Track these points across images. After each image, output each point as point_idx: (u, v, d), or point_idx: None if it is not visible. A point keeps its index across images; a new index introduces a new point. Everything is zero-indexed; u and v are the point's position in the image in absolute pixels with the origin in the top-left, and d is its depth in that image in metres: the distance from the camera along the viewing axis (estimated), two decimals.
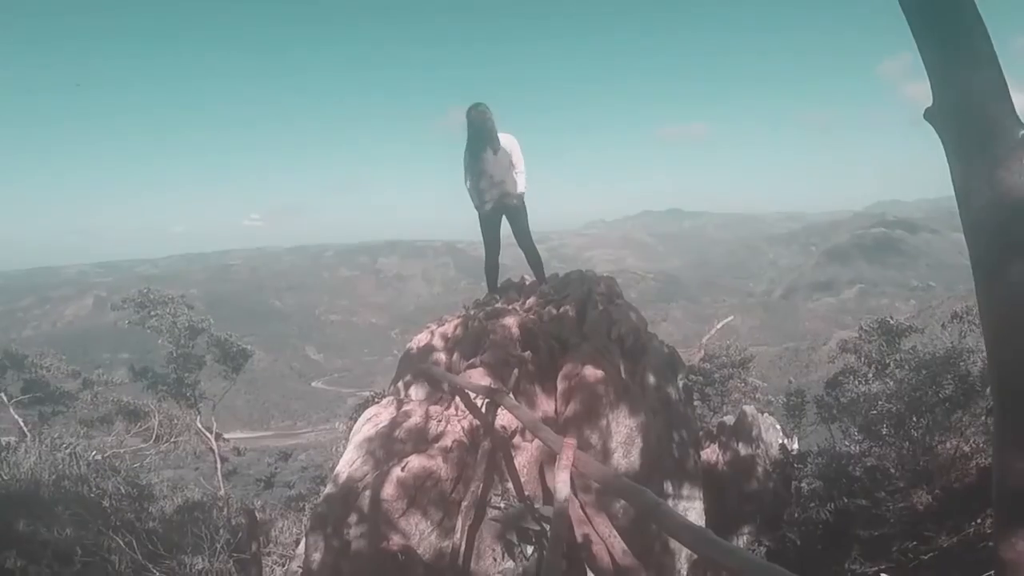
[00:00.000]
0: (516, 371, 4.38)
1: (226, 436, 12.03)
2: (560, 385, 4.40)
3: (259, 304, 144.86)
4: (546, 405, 4.38)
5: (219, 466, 9.60)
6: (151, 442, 8.81)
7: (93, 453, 6.14)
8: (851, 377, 7.67)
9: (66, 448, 5.76)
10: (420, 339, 5.71)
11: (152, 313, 9.81)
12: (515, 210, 5.67)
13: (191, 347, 9.95)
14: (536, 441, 3.86)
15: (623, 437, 4.18)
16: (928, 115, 2.15)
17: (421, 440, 4.03)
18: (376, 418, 4.45)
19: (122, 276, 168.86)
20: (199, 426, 9.86)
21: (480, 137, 5.46)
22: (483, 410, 4.02)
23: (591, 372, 4.32)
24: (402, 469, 3.72)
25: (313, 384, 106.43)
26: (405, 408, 4.43)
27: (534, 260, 5.98)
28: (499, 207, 5.64)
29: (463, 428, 4.08)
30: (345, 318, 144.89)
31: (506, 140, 5.52)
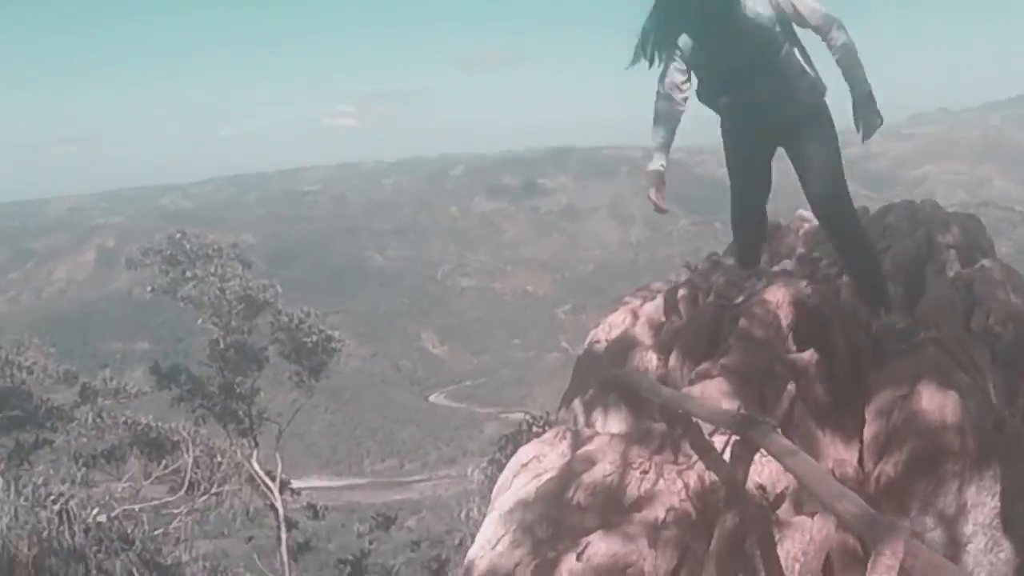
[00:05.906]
0: (792, 388, 4.25)
1: (296, 486, 12.78)
2: (872, 423, 4.25)
3: (349, 258, 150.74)
4: (842, 453, 4.29)
5: (284, 537, 10.30)
6: (182, 493, 9.50)
7: (95, 511, 6.77)
8: None
9: (54, 503, 6.38)
10: (612, 324, 5.79)
11: (189, 274, 10.33)
12: (803, 125, 4.70)
13: (247, 333, 10.49)
14: (823, 518, 3.80)
15: (987, 518, 3.96)
16: None
17: (613, 507, 4.11)
18: (537, 464, 4.61)
19: (138, 213, 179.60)
20: (256, 468, 10.53)
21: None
22: (725, 456, 4.00)
23: (933, 399, 4.10)
24: (579, 557, 3.83)
25: (431, 398, 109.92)
26: (587, 448, 4.53)
27: (851, 246, 4.90)
28: (768, 129, 4.82)
29: (687, 487, 4.10)
30: (483, 283, 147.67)
31: None
